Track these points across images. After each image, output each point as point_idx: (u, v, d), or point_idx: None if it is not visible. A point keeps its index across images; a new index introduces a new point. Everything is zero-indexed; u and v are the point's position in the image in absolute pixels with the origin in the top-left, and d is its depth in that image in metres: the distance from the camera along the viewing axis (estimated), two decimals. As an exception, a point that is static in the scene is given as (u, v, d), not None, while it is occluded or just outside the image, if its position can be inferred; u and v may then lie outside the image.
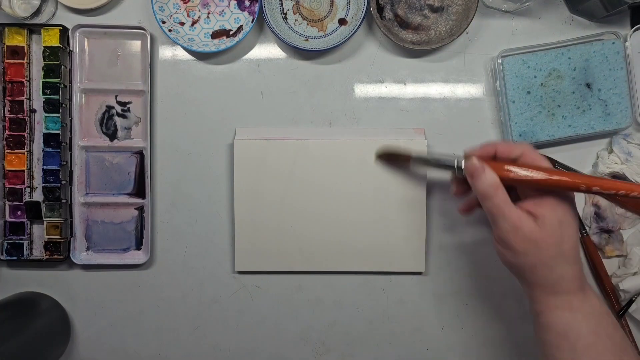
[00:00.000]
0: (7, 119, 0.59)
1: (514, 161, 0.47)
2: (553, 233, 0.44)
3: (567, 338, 0.45)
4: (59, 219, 0.59)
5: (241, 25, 0.60)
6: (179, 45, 0.58)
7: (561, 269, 0.45)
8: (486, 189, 0.45)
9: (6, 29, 0.58)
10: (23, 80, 0.59)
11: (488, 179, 0.45)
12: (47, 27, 0.58)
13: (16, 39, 0.59)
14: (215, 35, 0.60)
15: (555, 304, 0.46)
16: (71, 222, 0.60)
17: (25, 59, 0.59)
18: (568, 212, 0.45)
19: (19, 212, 0.60)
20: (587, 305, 0.45)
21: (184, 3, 0.60)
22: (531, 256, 0.45)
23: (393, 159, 0.58)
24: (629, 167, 0.59)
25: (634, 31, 0.59)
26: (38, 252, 0.61)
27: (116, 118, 0.61)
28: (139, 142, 0.60)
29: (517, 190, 0.49)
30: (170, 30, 0.58)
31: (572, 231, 0.45)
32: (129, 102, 0.61)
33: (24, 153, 0.59)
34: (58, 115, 0.58)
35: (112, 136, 0.61)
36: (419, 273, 0.61)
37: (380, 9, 0.60)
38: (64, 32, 0.59)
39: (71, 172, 0.60)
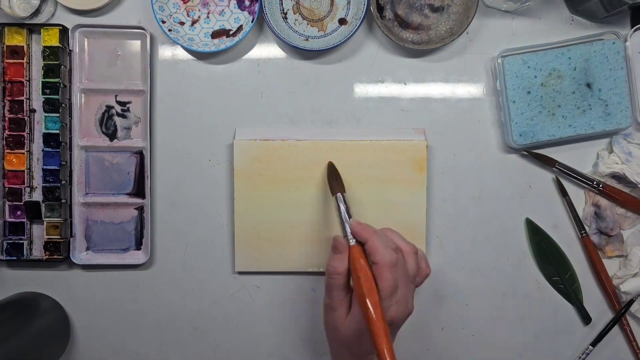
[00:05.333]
0: (6, 118, 0.59)
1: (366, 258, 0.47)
2: (350, 336, 0.47)
3: None
4: (59, 219, 0.59)
5: (241, 25, 0.60)
6: (179, 45, 0.58)
7: None
8: (330, 269, 0.48)
9: (6, 29, 0.58)
10: (23, 80, 0.59)
11: (337, 265, 0.48)
12: (46, 27, 0.58)
13: (16, 39, 0.59)
14: (215, 35, 0.60)
15: None
16: (71, 222, 0.60)
17: (25, 58, 0.59)
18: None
19: (18, 212, 0.60)
20: None
21: (184, 3, 0.60)
22: (334, 340, 0.50)
23: (332, 177, 0.56)
24: (630, 167, 0.59)
25: (634, 31, 0.59)
26: (38, 252, 0.61)
27: (116, 118, 0.61)
28: (139, 142, 0.60)
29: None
30: (170, 30, 0.58)
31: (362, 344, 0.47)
32: (128, 102, 0.61)
33: (23, 153, 0.59)
34: (58, 115, 0.58)
35: (112, 136, 0.61)
36: (419, 273, 0.61)
37: (380, 9, 0.60)
38: (64, 32, 0.59)
39: (71, 172, 0.60)
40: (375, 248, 0.46)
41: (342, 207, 0.51)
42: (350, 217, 0.50)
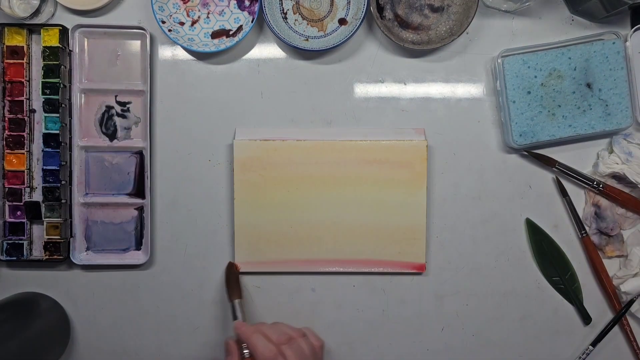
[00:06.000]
0: (6, 119, 0.59)
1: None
2: None
3: None
4: (59, 219, 0.59)
5: (241, 25, 0.60)
6: (179, 45, 0.58)
7: None
8: None
9: (6, 29, 0.58)
10: (23, 80, 0.59)
11: None
12: (46, 27, 0.58)
13: (16, 39, 0.59)
14: (215, 35, 0.60)
15: None
16: (71, 222, 0.60)
17: (24, 59, 0.59)
18: None
19: (18, 213, 0.60)
20: None
21: (184, 3, 0.60)
22: None
23: (230, 282, 0.60)
24: (630, 167, 0.59)
25: (634, 31, 0.59)
26: (38, 252, 0.61)
27: (116, 118, 0.61)
28: (139, 142, 0.60)
29: None
30: (170, 30, 0.58)
31: None
32: (128, 102, 0.61)
33: (23, 153, 0.59)
34: (58, 115, 0.58)
35: (112, 136, 0.61)
36: (419, 273, 0.61)
37: (380, 9, 0.60)
38: (64, 32, 0.59)
39: (71, 172, 0.60)
40: (253, 346, 0.50)
41: (237, 314, 0.57)
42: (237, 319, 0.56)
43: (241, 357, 0.52)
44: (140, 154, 0.60)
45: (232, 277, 0.60)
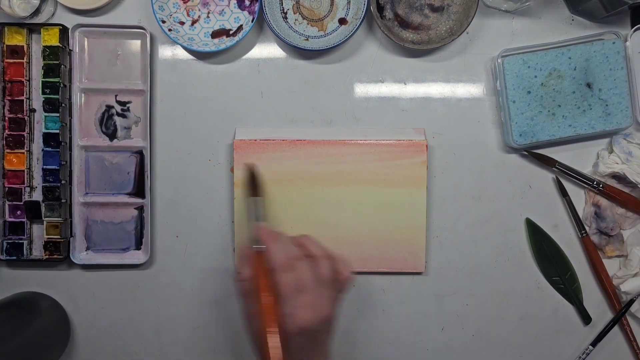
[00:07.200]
0: (6, 118, 0.59)
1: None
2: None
3: None
4: (59, 219, 0.59)
5: (241, 25, 0.60)
6: (179, 44, 0.58)
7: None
8: (237, 276, 0.48)
9: (6, 29, 0.58)
10: (23, 79, 0.59)
11: (241, 270, 0.48)
12: (46, 27, 0.58)
13: (16, 39, 0.59)
14: (215, 34, 0.60)
15: None
16: (71, 222, 0.60)
17: (25, 58, 0.59)
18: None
19: (18, 212, 0.60)
20: None
21: (184, 2, 0.60)
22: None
23: (248, 181, 0.56)
24: (630, 167, 0.59)
25: (634, 31, 0.59)
26: (38, 252, 0.61)
27: (116, 118, 0.61)
28: (139, 141, 0.60)
29: None
30: (170, 30, 0.58)
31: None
32: (128, 102, 0.61)
33: (23, 153, 0.59)
34: (58, 114, 0.58)
35: (112, 136, 0.61)
36: (419, 273, 0.61)
37: (380, 9, 0.60)
38: (64, 31, 0.59)
39: (71, 171, 0.60)
40: (270, 253, 0.46)
41: (250, 211, 0.51)
42: (258, 221, 0.50)
43: (252, 258, 0.47)
44: (140, 153, 0.60)
45: (252, 175, 0.55)
